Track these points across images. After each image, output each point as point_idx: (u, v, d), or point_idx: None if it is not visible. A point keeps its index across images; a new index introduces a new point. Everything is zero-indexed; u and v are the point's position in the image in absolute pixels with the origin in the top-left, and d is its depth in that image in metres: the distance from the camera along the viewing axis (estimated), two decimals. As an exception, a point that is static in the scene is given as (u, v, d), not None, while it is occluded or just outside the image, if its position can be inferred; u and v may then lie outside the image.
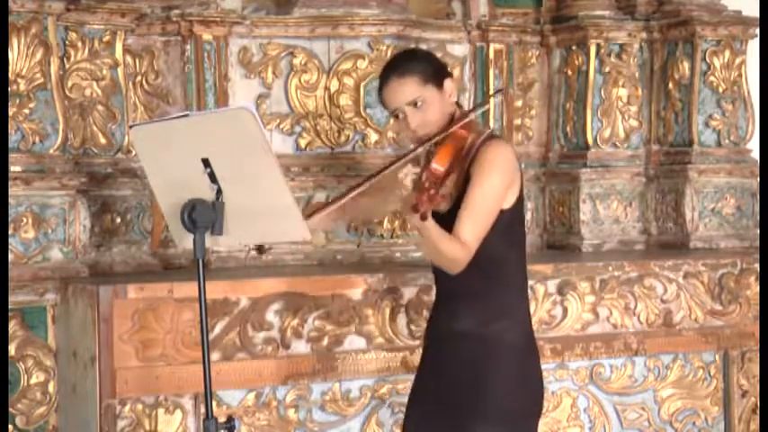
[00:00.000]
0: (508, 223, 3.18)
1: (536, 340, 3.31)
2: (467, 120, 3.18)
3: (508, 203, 3.17)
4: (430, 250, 3.14)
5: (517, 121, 5.17)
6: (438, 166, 3.04)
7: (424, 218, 2.93)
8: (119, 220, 4.29)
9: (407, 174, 3.06)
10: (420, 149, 3.18)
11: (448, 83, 3.24)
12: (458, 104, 3.30)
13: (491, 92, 4.90)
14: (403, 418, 3.39)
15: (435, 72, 3.24)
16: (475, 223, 3.10)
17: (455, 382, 3.19)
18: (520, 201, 3.22)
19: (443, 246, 3.06)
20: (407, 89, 3.18)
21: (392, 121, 3.46)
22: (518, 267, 3.27)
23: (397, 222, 4.58)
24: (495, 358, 3.17)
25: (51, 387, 3.98)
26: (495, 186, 3.12)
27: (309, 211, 3.27)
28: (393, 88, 3.20)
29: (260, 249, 3.36)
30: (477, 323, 3.18)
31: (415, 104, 3.18)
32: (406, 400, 3.39)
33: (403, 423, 3.37)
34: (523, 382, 3.20)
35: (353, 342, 3.99)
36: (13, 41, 3.97)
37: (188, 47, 4.48)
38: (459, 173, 3.16)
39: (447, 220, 3.11)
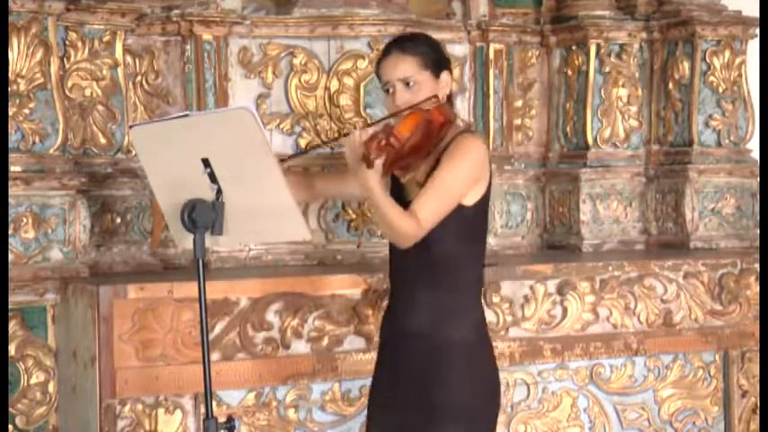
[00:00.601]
0: (470, 221, 3.20)
1: (490, 338, 3.33)
2: (435, 105, 3.19)
3: (471, 200, 3.19)
4: (377, 212, 3.11)
5: (517, 121, 5.16)
6: (400, 128, 3.07)
7: (370, 165, 2.96)
8: (119, 220, 4.29)
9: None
10: (390, 118, 3.20)
11: (445, 75, 3.28)
12: (449, 99, 3.33)
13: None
14: (365, 417, 3.39)
15: (436, 61, 3.28)
16: (433, 201, 3.12)
17: (410, 381, 3.21)
18: (485, 200, 3.24)
19: (393, 214, 3.07)
20: (404, 66, 3.23)
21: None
22: (474, 267, 3.29)
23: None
24: (448, 357, 3.19)
25: (51, 387, 3.98)
26: (463, 173, 3.15)
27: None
28: (391, 61, 3.25)
29: None
30: (429, 321, 3.20)
31: (407, 83, 3.23)
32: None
33: (366, 421, 3.37)
34: (477, 379, 3.22)
35: (353, 342, 3.99)
36: (13, 41, 3.97)
37: (188, 47, 4.47)
38: (432, 161, 3.19)
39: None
